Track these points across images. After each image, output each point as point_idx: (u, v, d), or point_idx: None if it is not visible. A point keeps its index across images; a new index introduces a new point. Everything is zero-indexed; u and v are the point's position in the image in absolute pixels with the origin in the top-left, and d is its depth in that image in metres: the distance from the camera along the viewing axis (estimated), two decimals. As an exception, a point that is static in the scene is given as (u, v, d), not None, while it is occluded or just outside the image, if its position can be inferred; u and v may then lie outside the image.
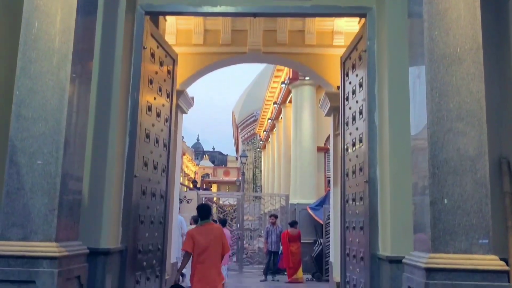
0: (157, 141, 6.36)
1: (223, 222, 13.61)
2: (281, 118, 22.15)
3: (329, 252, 13.56)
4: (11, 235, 3.88)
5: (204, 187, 19.56)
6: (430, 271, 3.60)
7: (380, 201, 5.25)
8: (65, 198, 4.04)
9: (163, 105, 6.62)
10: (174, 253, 7.99)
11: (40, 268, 3.77)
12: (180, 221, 10.35)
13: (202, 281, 5.75)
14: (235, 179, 35.50)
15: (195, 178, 26.49)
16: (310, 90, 17.59)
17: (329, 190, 16.08)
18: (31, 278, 3.73)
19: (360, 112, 5.93)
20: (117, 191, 5.33)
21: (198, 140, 73.76)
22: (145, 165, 5.95)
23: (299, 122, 17.41)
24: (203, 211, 6.18)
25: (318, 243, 14.38)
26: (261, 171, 34.43)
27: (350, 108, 6.48)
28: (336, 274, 7.46)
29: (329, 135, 18.04)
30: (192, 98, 8.73)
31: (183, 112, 8.42)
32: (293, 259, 13.09)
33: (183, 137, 39.20)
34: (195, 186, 19.74)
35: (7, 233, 3.89)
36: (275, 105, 21.80)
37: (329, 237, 13.71)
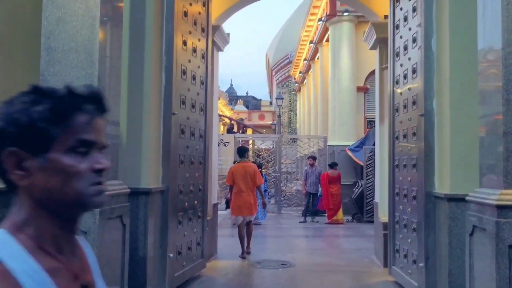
0: (194, 78, 6.04)
1: (258, 166, 13.56)
2: (318, 58, 21.39)
3: (370, 193, 13.29)
4: (50, 174, 3.72)
5: (241, 131, 19.26)
6: (502, 209, 3.23)
7: (437, 135, 4.82)
8: (102, 135, 3.82)
9: (199, 40, 6.24)
10: (215, 194, 7.87)
11: (81, 207, 3.61)
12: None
13: (238, 205, 7.80)
14: (270, 123, 35.22)
15: (230, 122, 26.18)
16: (348, 27, 16.73)
17: (369, 131, 15.59)
18: (72, 217, 3.59)
19: (414, 40, 5.39)
20: (155, 129, 5.10)
21: (231, 85, 73.28)
22: (183, 103, 5.67)
23: (337, 61, 16.71)
24: (241, 151, 8.54)
25: (358, 184, 14.11)
26: (296, 114, 33.96)
27: (401, 37, 5.93)
28: (382, 214, 7.18)
29: (369, 74, 17.32)
30: (228, 34, 8.29)
31: (219, 49, 8.01)
32: (333, 200, 12.92)
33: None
34: (231, 130, 19.51)
35: (45, 172, 3.73)
36: (311, 45, 20.99)
37: (370, 178, 13.41)
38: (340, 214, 12.95)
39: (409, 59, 5.58)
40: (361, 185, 13.68)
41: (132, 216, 4.44)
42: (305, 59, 23.89)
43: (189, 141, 5.89)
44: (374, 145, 14.03)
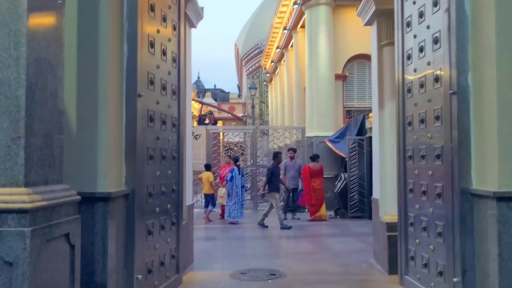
0: (164, 53, 4.89)
1: (235, 160, 12.47)
2: (291, 45, 20.41)
3: (354, 187, 12.41)
4: (-44, 179, 2.54)
5: (212, 123, 18.11)
6: None
7: (474, 118, 3.85)
8: (36, 120, 2.67)
9: (169, 7, 5.09)
10: (191, 193, 6.75)
11: (3, 226, 2.46)
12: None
13: None
14: (241, 115, 34.12)
15: (200, 114, 24.78)
16: (326, 11, 15.78)
17: (350, 121, 14.72)
18: (-10, 242, 2.43)
19: (435, 3, 4.40)
20: (115, 116, 3.94)
21: (198, 78, 71.72)
22: (151, 83, 4.53)
23: (315, 47, 15.75)
24: None
25: (341, 178, 13.24)
26: (267, 106, 32.96)
27: (414, 3, 4.94)
28: (384, 213, 6.24)
29: (347, 61, 16.43)
30: (202, 8, 7.13)
31: (192, 26, 6.84)
32: (315, 195, 11.95)
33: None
34: (201, 122, 18.28)
35: (-51, 175, 2.54)
36: (285, 31, 19.97)
37: (354, 171, 12.53)
38: (323, 210, 12.02)
39: (428, 27, 4.59)
40: (344, 179, 12.80)
41: (86, 230, 3.30)
42: (277, 47, 22.86)
43: (160, 131, 4.75)
44: (357, 135, 13.18)
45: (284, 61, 22.74)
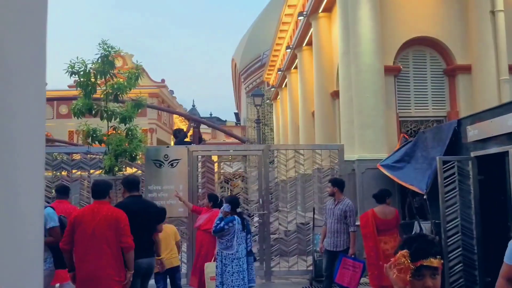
0: None
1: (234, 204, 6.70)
2: (308, 40, 15.18)
3: (455, 250, 6.84)
4: None
5: (197, 141, 11.54)
6: None
7: None
8: None
9: None
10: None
11: None
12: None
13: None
14: (241, 137, 28.74)
15: (174, 129, 18.13)
16: (368, -27, 10.54)
17: (419, 135, 9.32)
18: None
19: None
20: None
21: (193, 106, 66.74)
22: None
23: (353, 26, 10.45)
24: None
25: (417, 228, 7.73)
26: (271, 129, 27.60)
27: None
28: None
29: (401, 47, 11.21)
30: None
31: None
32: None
33: (173, 92, 31.90)
34: (180, 140, 11.99)
35: None
36: (301, 18, 14.70)
37: (454, 217, 7.01)
38: (403, 295, 6.39)
39: None
40: (429, 231, 7.28)
41: None
42: (288, 47, 17.58)
43: None
44: (445, 154, 7.76)
45: (296, 64, 17.45)
